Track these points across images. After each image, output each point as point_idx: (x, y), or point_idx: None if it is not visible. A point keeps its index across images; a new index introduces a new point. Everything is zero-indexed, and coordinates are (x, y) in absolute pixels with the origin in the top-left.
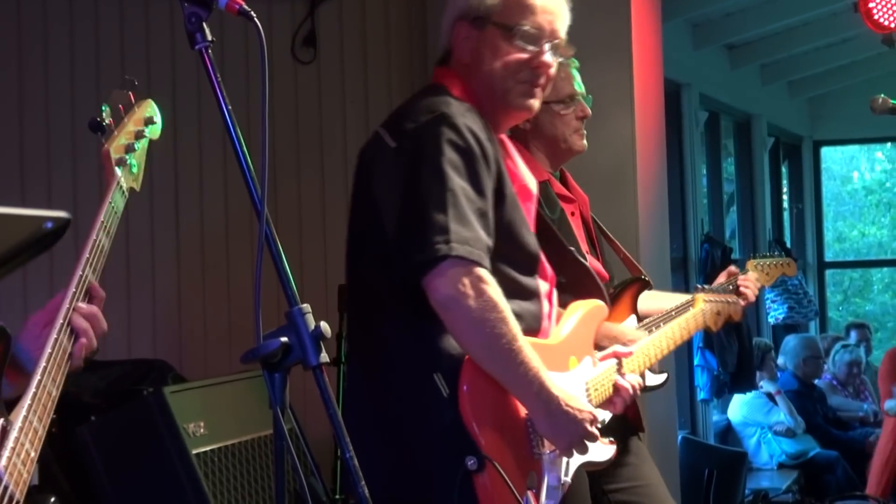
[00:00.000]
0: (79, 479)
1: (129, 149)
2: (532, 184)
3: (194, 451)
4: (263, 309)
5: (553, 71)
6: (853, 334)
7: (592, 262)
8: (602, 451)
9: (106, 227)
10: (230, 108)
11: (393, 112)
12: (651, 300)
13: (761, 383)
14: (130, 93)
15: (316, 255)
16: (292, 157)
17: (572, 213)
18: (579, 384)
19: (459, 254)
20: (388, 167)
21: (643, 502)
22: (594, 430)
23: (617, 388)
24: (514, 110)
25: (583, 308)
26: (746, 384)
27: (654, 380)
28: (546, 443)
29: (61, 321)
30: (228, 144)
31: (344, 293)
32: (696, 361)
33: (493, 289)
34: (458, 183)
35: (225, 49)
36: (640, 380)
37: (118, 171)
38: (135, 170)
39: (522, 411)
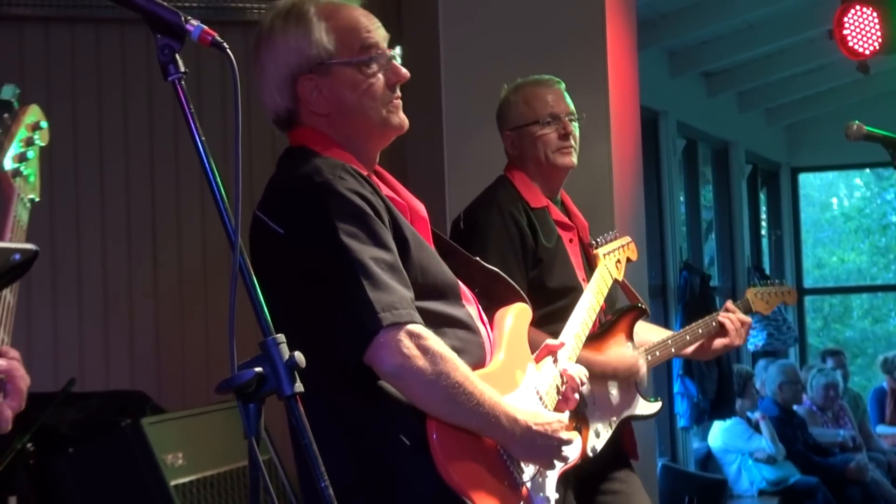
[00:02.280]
0: None
1: (23, 158)
2: (419, 205)
3: (173, 483)
4: (241, 339)
5: (407, 74)
6: (829, 361)
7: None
8: (571, 449)
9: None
10: (204, 139)
11: (267, 190)
12: (644, 331)
13: (747, 412)
14: (13, 99)
15: None
16: None
17: (570, 240)
18: (531, 395)
19: (390, 321)
20: (287, 259)
21: None
22: (567, 435)
23: (564, 382)
24: (392, 133)
25: (509, 315)
26: (726, 411)
27: (647, 409)
28: (525, 467)
29: None
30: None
31: None
32: (675, 388)
33: (434, 341)
34: (360, 249)
35: (202, 80)
36: (582, 368)
37: (16, 183)
38: (32, 179)
39: (493, 445)
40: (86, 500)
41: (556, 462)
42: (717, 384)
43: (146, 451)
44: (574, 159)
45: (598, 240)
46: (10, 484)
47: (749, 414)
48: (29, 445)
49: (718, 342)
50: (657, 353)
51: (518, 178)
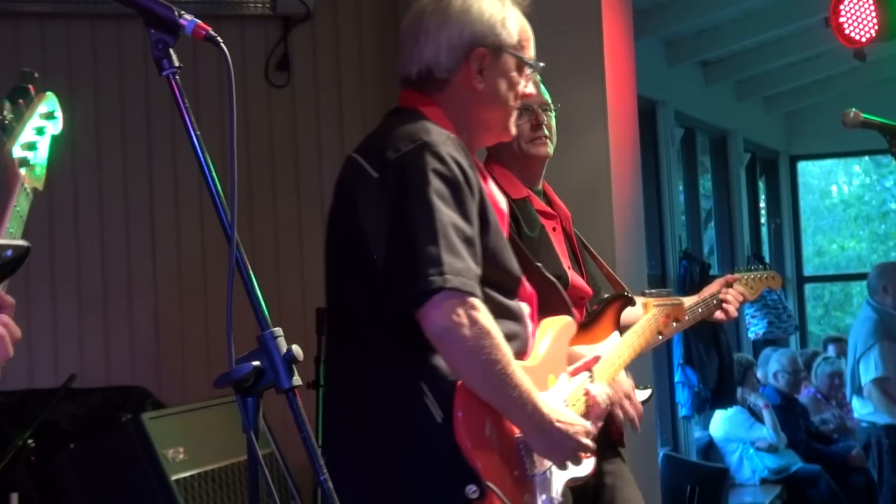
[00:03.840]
0: None
1: (32, 146)
2: (503, 203)
3: (174, 477)
4: (241, 333)
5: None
6: (831, 348)
7: (575, 278)
8: (584, 465)
9: (12, 234)
10: (199, 133)
11: (369, 138)
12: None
13: (748, 397)
14: (30, 86)
15: (293, 278)
16: (268, 181)
17: (553, 229)
18: (558, 402)
19: (453, 285)
20: (373, 199)
21: None
22: (588, 441)
23: (588, 400)
24: (505, 137)
25: (554, 326)
26: (728, 400)
27: (639, 395)
28: (538, 463)
29: None
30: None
31: (322, 316)
32: (676, 378)
33: (486, 317)
34: (446, 213)
35: (198, 75)
36: (608, 389)
37: (22, 171)
38: (37, 169)
39: (514, 434)
40: (87, 496)
41: (569, 463)
42: (717, 373)
43: (147, 446)
44: (549, 149)
45: (653, 290)
46: (12, 480)
47: (752, 398)
48: (30, 442)
49: (717, 315)
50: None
51: (497, 171)
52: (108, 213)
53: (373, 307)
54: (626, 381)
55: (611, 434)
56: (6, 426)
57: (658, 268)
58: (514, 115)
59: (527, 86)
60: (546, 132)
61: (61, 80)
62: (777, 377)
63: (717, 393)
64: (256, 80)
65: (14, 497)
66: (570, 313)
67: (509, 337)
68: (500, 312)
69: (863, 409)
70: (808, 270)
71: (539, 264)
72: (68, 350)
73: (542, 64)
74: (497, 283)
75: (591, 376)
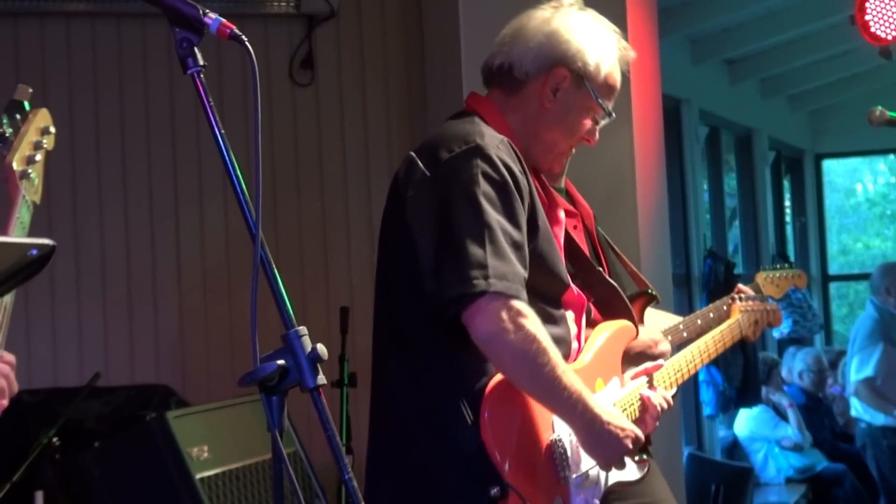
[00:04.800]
0: None
1: (31, 160)
2: (562, 212)
3: (198, 476)
4: (266, 332)
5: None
6: None
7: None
8: (633, 469)
9: None
10: (223, 132)
11: (428, 138)
12: (654, 318)
13: (773, 396)
14: (26, 101)
15: (317, 277)
16: (292, 180)
17: (574, 227)
18: (607, 406)
19: (498, 289)
20: (422, 197)
21: None
22: (632, 447)
23: (644, 405)
24: (549, 163)
25: (609, 329)
26: (752, 399)
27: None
28: (573, 466)
29: None
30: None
31: (346, 315)
32: (701, 377)
33: (532, 321)
34: (494, 216)
35: (223, 73)
36: (669, 396)
37: (22, 184)
38: (35, 182)
39: (545, 437)
40: (112, 494)
41: (612, 467)
42: (742, 372)
43: (171, 445)
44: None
45: (743, 295)
46: (37, 478)
47: (774, 398)
48: (55, 440)
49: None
50: (669, 339)
51: None
52: (133, 211)
53: (416, 306)
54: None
55: None
56: (31, 424)
57: (682, 266)
58: (568, 152)
59: (593, 132)
60: None
61: (86, 78)
62: (802, 376)
63: (742, 392)
64: (281, 79)
65: (39, 495)
66: (630, 317)
67: (555, 340)
68: (543, 318)
69: (860, 409)
70: (832, 269)
71: (600, 269)
72: (93, 348)
73: (614, 115)
74: (542, 287)
75: (649, 382)
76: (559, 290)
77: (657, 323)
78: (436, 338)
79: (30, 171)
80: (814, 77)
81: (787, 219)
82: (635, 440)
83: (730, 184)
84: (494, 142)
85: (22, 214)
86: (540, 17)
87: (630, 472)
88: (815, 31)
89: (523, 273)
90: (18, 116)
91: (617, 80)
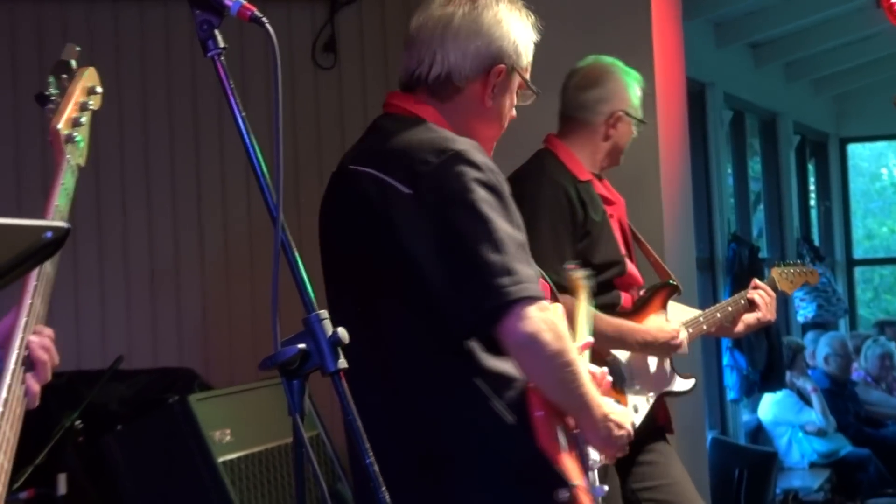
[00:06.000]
0: (106, 487)
1: (76, 123)
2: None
3: (221, 459)
4: (289, 316)
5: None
6: (885, 332)
7: (629, 265)
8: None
9: (61, 210)
10: (244, 114)
11: (375, 150)
12: (673, 310)
13: (797, 381)
14: (73, 61)
15: None
16: (314, 163)
17: (611, 216)
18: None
19: (529, 293)
20: (412, 217)
21: (672, 500)
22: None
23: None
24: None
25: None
26: (776, 383)
27: (682, 385)
28: (591, 453)
29: (24, 319)
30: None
31: None
32: (725, 361)
33: (558, 318)
34: (499, 221)
35: (245, 57)
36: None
37: (67, 148)
38: (81, 145)
39: (573, 428)
40: (134, 477)
41: (618, 455)
42: (766, 356)
43: (194, 428)
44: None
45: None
46: (60, 461)
47: (798, 383)
48: (77, 423)
49: (751, 317)
50: (689, 331)
51: (562, 151)
52: (156, 195)
53: (422, 326)
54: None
55: (657, 419)
56: (54, 407)
57: (707, 251)
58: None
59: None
60: None
61: (108, 62)
62: (827, 360)
63: (766, 376)
64: (303, 62)
65: (62, 478)
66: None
67: None
68: None
69: None
70: (857, 253)
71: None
72: (116, 332)
73: (539, 91)
74: None
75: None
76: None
77: (678, 315)
78: (447, 350)
79: (75, 134)
80: (839, 60)
81: (812, 203)
82: (631, 425)
83: (754, 168)
84: (468, 145)
85: (66, 180)
86: (460, 14)
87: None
88: (840, 15)
89: (535, 275)
90: (65, 76)
91: (532, 48)
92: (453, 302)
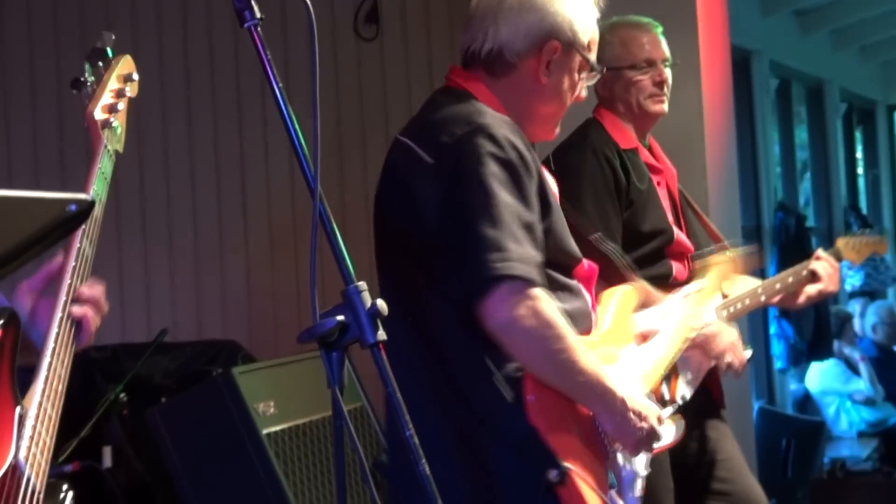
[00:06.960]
0: (151, 460)
1: (113, 109)
2: (555, 186)
3: (265, 431)
4: (330, 287)
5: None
6: None
7: (678, 233)
8: (669, 431)
9: (98, 195)
10: (282, 86)
11: (419, 121)
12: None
13: (845, 350)
14: (109, 48)
15: None
16: (357, 135)
17: (658, 183)
18: (631, 374)
19: (516, 273)
20: (430, 186)
21: (724, 476)
22: (658, 427)
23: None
24: (549, 133)
25: (616, 295)
26: (824, 352)
27: None
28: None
29: (64, 298)
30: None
31: None
32: (772, 330)
33: (548, 305)
34: (505, 197)
35: (287, 28)
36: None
37: (104, 133)
38: (118, 131)
39: (587, 412)
40: (179, 449)
41: (641, 449)
42: (814, 325)
43: (238, 401)
44: (665, 107)
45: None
46: (105, 434)
47: (846, 351)
48: (122, 395)
49: (812, 288)
50: (747, 302)
51: (608, 119)
52: (199, 169)
53: (435, 292)
54: (731, 332)
55: (712, 395)
56: (99, 380)
57: (753, 219)
58: (560, 116)
59: (583, 89)
60: (665, 90)
61: (151, 32)
62: (875, 329)
63: (813, 345)
64: (345, 33)
65: (107, 450)
66: (625, 282)
67: (575, 314)
68: (560, 287)
69: None
70: None
71: (598, 234)
72: (160, 305)
73: (604, 69)
74: (558, 262)
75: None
76: (573, 263)
77: (738, 286)
78: (459, 320)
79: (112, 120)
80: (886, 27)
81: (860, 171)
82: (659, 419)
83: (801, 136)
84: (496, 120)
85: (104, 165)
86: None
87: (668, 434)
88: None
89: (537, 256)
90: (101, 64)
91: (596, 30)
92: (448, 272)
